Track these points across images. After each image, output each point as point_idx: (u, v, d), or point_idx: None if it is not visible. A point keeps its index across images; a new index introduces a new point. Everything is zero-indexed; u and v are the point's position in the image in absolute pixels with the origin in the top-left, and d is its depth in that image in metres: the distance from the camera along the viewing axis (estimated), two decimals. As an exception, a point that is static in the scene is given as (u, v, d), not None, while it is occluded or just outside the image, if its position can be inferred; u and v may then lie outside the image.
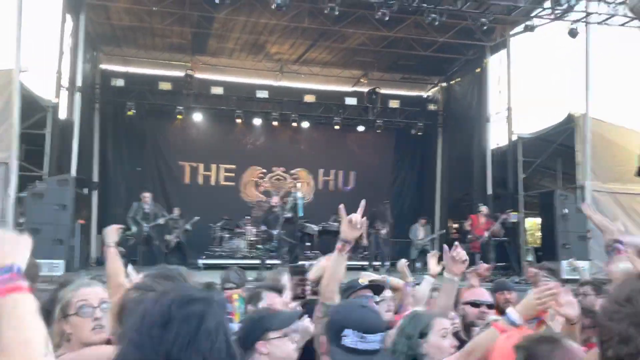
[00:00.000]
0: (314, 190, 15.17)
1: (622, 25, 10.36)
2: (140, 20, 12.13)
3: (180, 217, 11.99)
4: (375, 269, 10.24)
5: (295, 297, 3.04)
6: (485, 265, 3.45)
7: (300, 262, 9.06)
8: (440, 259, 3.28)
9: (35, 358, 1.04)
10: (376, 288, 2.87)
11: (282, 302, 2.92)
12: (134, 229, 10.56)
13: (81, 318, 1.98)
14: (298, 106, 14.17)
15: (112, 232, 3.08)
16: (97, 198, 13.10)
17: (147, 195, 11.02)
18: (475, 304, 2.78)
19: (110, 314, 1.94)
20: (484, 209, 11.42)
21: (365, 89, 14.77)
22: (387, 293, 3.27)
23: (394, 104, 14.52)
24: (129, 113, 13.26)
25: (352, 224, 2.38)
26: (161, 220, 10.93)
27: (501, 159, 12.74)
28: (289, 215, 11.76)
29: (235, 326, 3.08)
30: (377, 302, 2.79)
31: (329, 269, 2.46)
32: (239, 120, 13.75)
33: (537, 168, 12.08)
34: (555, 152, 11.54)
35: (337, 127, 14.21)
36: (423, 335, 2.30)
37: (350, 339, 1.75)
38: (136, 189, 12.54)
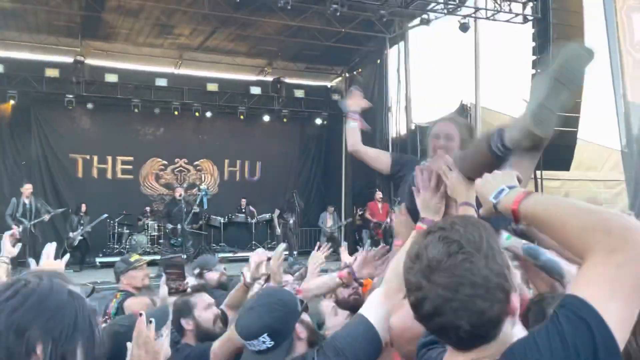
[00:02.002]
0: (218, 182, 14.84)
1: (507, 21, 11.12)
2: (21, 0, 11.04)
3: (86, 214, 11.26)
4: (284, 259, 10.26)
5: (173, 292, 2.94)
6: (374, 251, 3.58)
7: (176, 255, 8.86)
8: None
9: None
10: None
11: (160, 297, 2.85)
12: (15, 228, 9.66)
13: None
14: (200, 95, 13.71)
15: None
16: (-26, 196, 11.88)
17: (28, 187, 10.01)
18: None
19: None
20: (378, 194, 11.88)
21: (270, 79, 14.64)
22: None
23: (299, 93, 14.57)
24: (11, 102, 12.12)
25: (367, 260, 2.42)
26: (46, 217, 10.06)
27: (401, 147, 13.25)
28: (195, 209, 11.43)
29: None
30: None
31: (319, 282, 2.56)
32: (136, 110, 13.04)
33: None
34: (451, 140, 12.19)
35: (241, 116, 13.95)
36: (320, 326, 2.25)
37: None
38: (21, 184, 11.52)
